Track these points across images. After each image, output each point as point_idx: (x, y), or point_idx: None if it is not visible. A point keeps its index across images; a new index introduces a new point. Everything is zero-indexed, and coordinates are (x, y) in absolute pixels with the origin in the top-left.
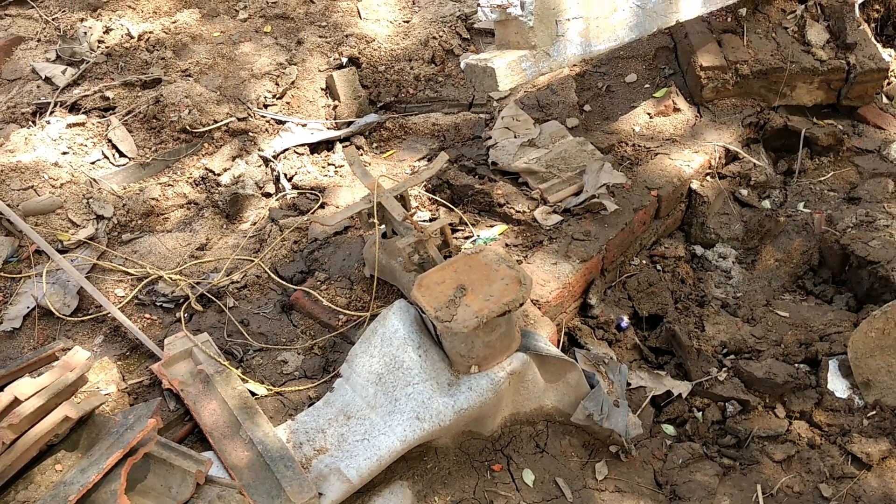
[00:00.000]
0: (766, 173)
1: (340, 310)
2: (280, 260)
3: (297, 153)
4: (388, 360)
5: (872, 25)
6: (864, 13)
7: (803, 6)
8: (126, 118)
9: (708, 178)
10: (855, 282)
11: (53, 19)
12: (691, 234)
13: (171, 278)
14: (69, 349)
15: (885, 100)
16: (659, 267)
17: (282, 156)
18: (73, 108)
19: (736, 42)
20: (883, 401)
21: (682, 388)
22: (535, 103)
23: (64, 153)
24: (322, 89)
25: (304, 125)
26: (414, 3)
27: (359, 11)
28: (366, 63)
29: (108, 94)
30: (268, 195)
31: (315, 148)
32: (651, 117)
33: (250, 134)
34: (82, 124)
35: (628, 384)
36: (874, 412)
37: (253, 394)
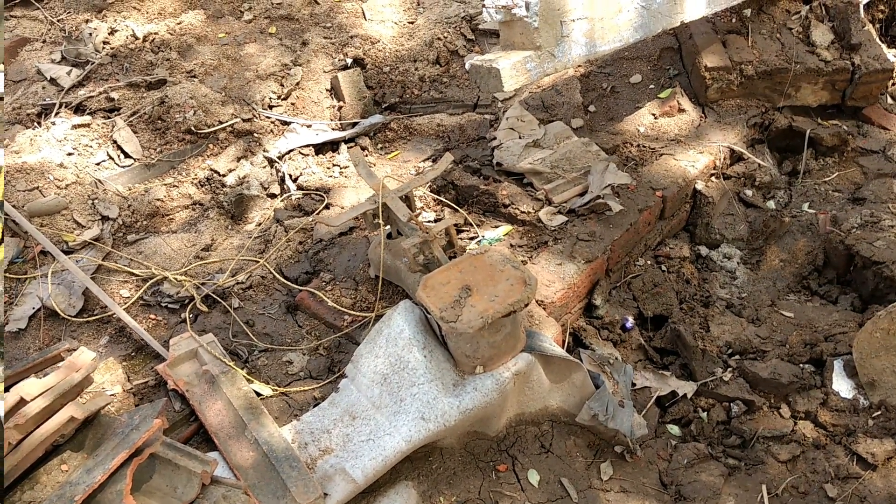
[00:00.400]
0: (770, 174)
1: (345, 310)
2: (285, 261)
3: (302, 154)
4: (394, 360)
5: (877, 26)
6: (869, 14)
7: (808, 7)
8: (131, 119)
9: (713, 178)
10: (860, 282)
11: (58, 20)
12: (696, 235)
13: (176, 279)
14: (74, 350)
15: (889, 100)
16: (664, 267)
17: (287, 156)
18: (79, 109)
19: (741, 43)
20: (888, 401)
21: (687, 388)
22: (540, 104)
23: (69, 154)
24: (327, 90)
25: (308, 126)
26: (419, 5)
27: (363, 12)
28: (370, 64)
29: (114, 95)
30: (273, 196)
31: (320, 149)
32: (656, 118)
33: (255, 135)
34: (87, 125)
35: (633, 384)
36: (879, 412)
37: (258, 394)
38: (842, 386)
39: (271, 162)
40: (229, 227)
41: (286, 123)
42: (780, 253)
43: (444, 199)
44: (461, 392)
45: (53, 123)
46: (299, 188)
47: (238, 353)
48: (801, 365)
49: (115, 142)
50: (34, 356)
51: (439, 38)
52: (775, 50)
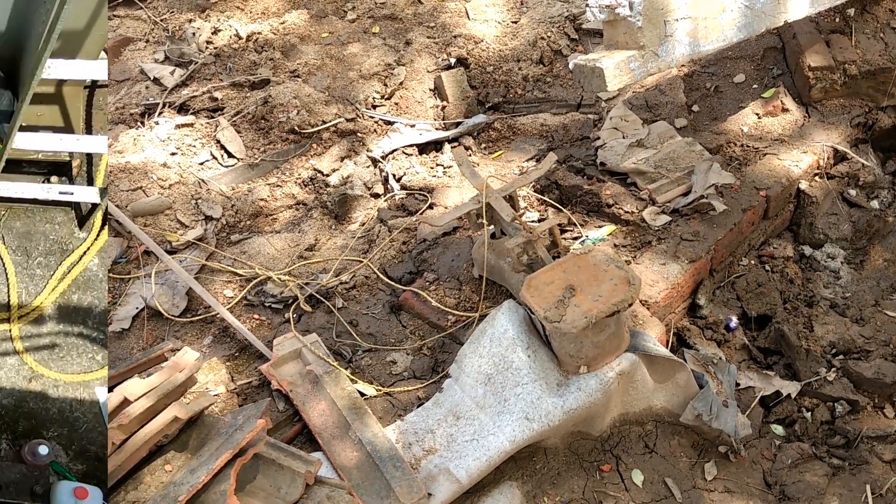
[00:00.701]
0: (874, 173)
1: (449, 310)
2: (389, 260)
3: (405, 154)
4: (497, 360)
5: None
6: None
7: None
8: (234, 119)
9: (816, 178)
10: None
11: (162, 20)
12: (800, 235)
13: (279, 279)
14: (178, 350)
15: None
16: (767, 267)
17: (390, 156)
18: (182, 108)
19: (844, 42)
20: None
21: (790, 388)
22: (644, 104)
23: (172, 154)
24: (430, 90)
25: (412, 126)
26: (522, 4)
27: (467, 12)
28: (474, 64)
29: (217, 94)
30: (376, 196)
31: (423, 148)
32: (759, 117)
33: (359, 134)
34: (191, 125)
35: (737, 384)
36: None
37: (362, 394)
38: None
39: (375, 162)
40: (333, 226)
41: (390, 123)
42: (884, 252)
43: (547, 199)
44: (565, 392)
45: (157, 123)
46: (403, 188)
47: (342, 353)
48: None
49: (218, 141)
50: (138, 356)
51: (543, 38)
52: (879, 49)
